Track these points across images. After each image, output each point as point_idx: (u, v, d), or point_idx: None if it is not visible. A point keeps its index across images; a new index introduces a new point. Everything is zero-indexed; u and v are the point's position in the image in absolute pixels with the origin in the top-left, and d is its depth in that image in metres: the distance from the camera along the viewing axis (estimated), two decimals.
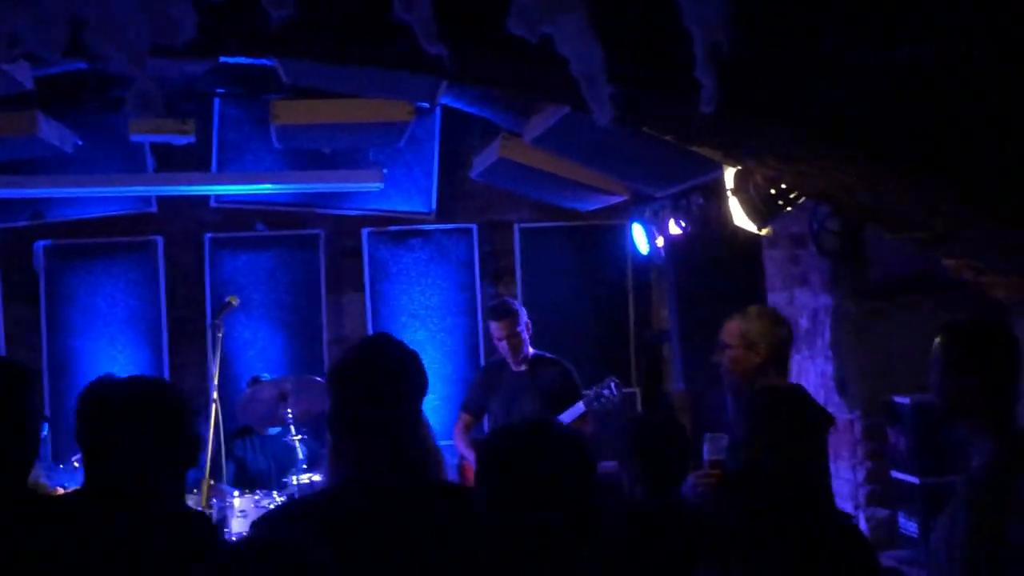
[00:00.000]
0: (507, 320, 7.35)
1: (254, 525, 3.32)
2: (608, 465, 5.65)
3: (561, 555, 2.68)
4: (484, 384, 7.65)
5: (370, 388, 3.26)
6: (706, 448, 4.88)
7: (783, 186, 5.63)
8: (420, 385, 3.35)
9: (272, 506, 6.96)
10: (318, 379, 8.09)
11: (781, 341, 5.05)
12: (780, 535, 3.52)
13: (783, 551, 3.49)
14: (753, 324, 5.04)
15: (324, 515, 3.18)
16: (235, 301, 7.81)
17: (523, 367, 7.42)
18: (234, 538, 6.84)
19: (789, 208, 5.85)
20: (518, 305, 7.53)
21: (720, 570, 3.68)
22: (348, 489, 3.27)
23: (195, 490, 6.96)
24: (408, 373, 3.33)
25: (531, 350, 7.44)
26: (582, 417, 7.03)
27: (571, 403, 7.10)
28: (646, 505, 4.43)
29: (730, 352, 5.03)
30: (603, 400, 7.03)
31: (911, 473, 5.76)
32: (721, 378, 5.17)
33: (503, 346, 7.40)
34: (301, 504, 3.78)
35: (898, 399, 5.89)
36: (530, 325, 7.42)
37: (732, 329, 5.07)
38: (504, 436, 2.93)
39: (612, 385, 7.06)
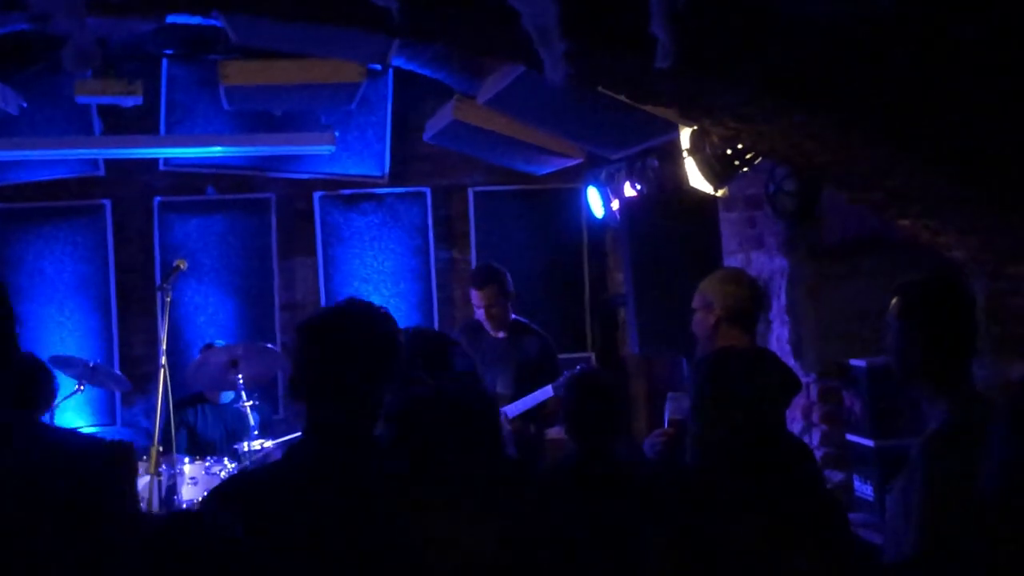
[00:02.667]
0: (489, 288, 6.99)
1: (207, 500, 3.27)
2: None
3: None
4: None
5: (326, 350, 3.20)
6: (668, 407, 4.88)
7: (739, 146, 5.59)
8: (385, 348, 3.28)
9: (223, 473, 6.90)
10: (269, 346, 8.02)
11: (737, 300, 5.02)
12: (752, 495, 3.48)
13: (755, 510, 3.45)
14: (709, 284, 5.04)
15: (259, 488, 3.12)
16: (183, 265, 7.71)
17: (502, 333, 7.11)
18: (184, 505, 6.78)
19: (745, 169, 5.82)
20: (502, 270, 7.11)
21: (675, 530, 3.65)
22: (297, 453, 3.22)
23: (144, 457, 6.86)
24: (370, 335, 3.26)
25: (512, 316, 7.13)
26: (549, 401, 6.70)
27: (548, 378, 6.78)
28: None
29: (695, 316, 5.05)
30: None
31: (866, 436, 5.75)
32: (677, 341, 5.16)
33: (481, 314, 7.05)
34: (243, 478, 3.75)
35: (853, 362, 5.86)
36: (513, 292, 7.08)
37: (696, 293, 5.07)
38: None
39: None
